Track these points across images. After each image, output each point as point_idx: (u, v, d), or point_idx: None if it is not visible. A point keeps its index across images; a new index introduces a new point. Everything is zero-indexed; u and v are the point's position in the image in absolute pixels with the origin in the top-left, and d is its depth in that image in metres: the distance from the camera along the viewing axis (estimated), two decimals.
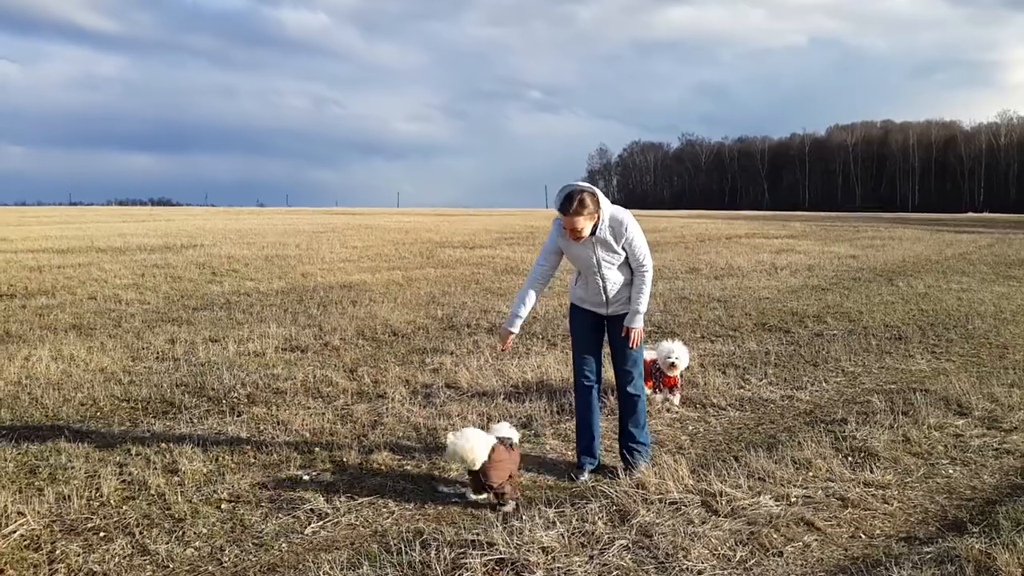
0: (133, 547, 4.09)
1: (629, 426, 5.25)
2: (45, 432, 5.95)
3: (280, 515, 4.49)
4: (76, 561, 3.91)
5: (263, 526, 4.36)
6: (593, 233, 4.84)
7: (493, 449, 4.55)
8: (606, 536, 4.13)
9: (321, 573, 3.75)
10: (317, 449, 5.59)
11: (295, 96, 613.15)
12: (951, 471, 5.20)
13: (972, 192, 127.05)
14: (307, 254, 22.17)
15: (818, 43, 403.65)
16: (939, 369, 8.11)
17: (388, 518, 4.48)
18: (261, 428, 6.08)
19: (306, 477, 5.07)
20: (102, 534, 4.23)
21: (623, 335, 5.09)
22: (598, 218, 4.80)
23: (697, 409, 6.72)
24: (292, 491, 4.82)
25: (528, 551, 3.92)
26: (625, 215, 4.91)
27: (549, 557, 3.90)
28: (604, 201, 4.82)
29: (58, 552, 4.01)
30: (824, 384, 7.54)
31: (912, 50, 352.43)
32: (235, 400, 6.87)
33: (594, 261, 4.96)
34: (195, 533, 4.26)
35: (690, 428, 6.24)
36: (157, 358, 8.54)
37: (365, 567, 3.80)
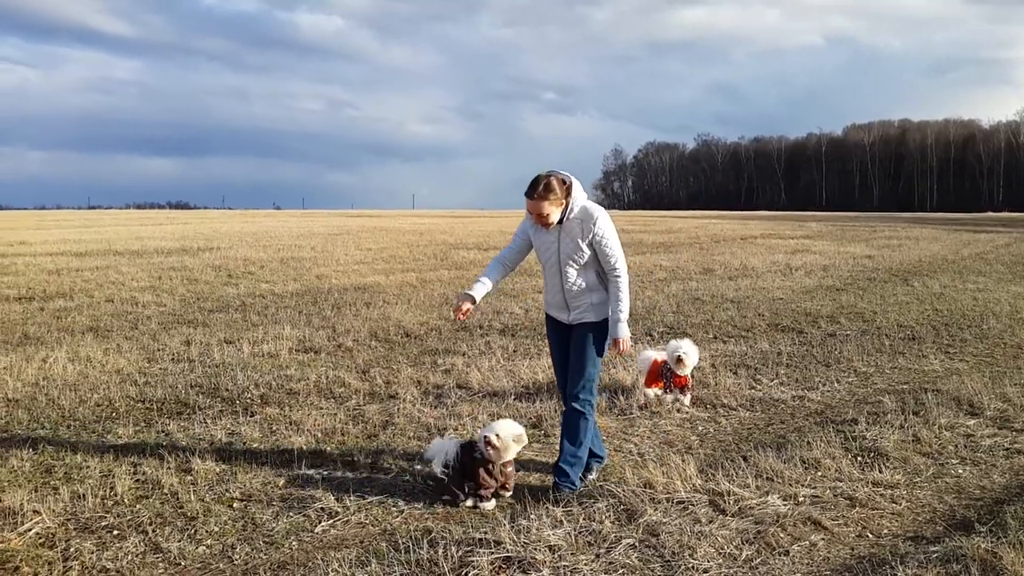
0: (146, 545, 4.15)
1: (565, 440, 4.91)
2: (61, 432, 6.04)
3: (291, 514, 4.54)
4: (90, 559, 3.97)
5: (274, 524, 4.41)
6: (560, 222, 4.70)
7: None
8: (613, 535, 4.16)
9: (330, 570, 3.79)
10: (328, 449, 5.65)
11: (310, 99, 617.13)
12: (961, 471, 5.19)
13: (991, 191, 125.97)
14: (322, 256, 22.30)
15: (833, 42, 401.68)
16: (952, 369, 8.08)
17: (397, 517, 4.52)
18: (274, 428, 6.14)
19: (317, 476, 5.11)
20: (115, 532, 4.29)
21: (611, 347, 4.84)
22: (567, 206, 4.66)
23: (707, 409, 6.73)
24: (303, 490, 4.87)
25: (535, 549, 3.95)
26: (598, 211, 4.72)
27: (555, 555, 3.93)
28: (578, 192, 4.67)
29: (72, 550, 4.07)
30: (836, 384, 7.53)
31: (927, 48, 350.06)
32: (248, 401, 6.94)
33: (555, 251, 4.77)
34: (207, 531, 4.31)
35: (700, 428, 6.26)
36: (172, 359, 8.63)
37: (373, 564, 3.84)
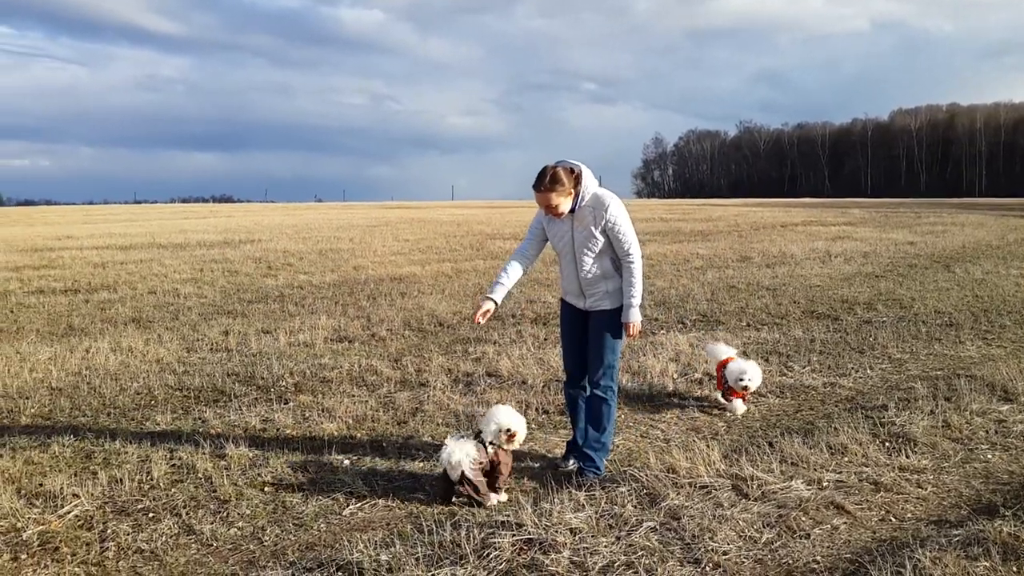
0: (179, 527, 4.29)
1: (589, 427, 5.00)
2: (101, 420, 6.24)
3: (320, 497, 4.66)
4: (126, 540, 4.13)
5: (303, 507, 4.53)
6: (572, 211, 4.73)
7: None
8: (634, 518, 4.20)
9: (355, 551, 3.88)
10: (359, 435, 5.76)
11: (353, 93, 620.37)
12: (990, 456, 5.14)
13: None
14: (360, 248, 22.52)
15: (880, 27, 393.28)
16: (988, 355, 7.97)
17: (424, 500, 4.61)
18: (306, 415, 6.27)
19: (347, 462, 5.23)
20: (151, 515, 4.44)
21: (628, 333, 4.86)
22: (577, 194, 4.68)
23: None
24: (333, 475, 4.99)
25: (556, 531, 4.01)
26: (610, 198, 4.71)
27: (576, 538, 3.98)
28: (589, 180, 4.68)
29: (109, 531, 4.23)
30: (868, 371, 7.46)
31: (980, 32, 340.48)
32: (283, 388, 7.09)
33: (569, 240, 4.80)
34: (239, 514, 4.44)
35: (727, 415, 6.25)
36: (211, 349, 8.83)
37: (397, 546, 3.93)
